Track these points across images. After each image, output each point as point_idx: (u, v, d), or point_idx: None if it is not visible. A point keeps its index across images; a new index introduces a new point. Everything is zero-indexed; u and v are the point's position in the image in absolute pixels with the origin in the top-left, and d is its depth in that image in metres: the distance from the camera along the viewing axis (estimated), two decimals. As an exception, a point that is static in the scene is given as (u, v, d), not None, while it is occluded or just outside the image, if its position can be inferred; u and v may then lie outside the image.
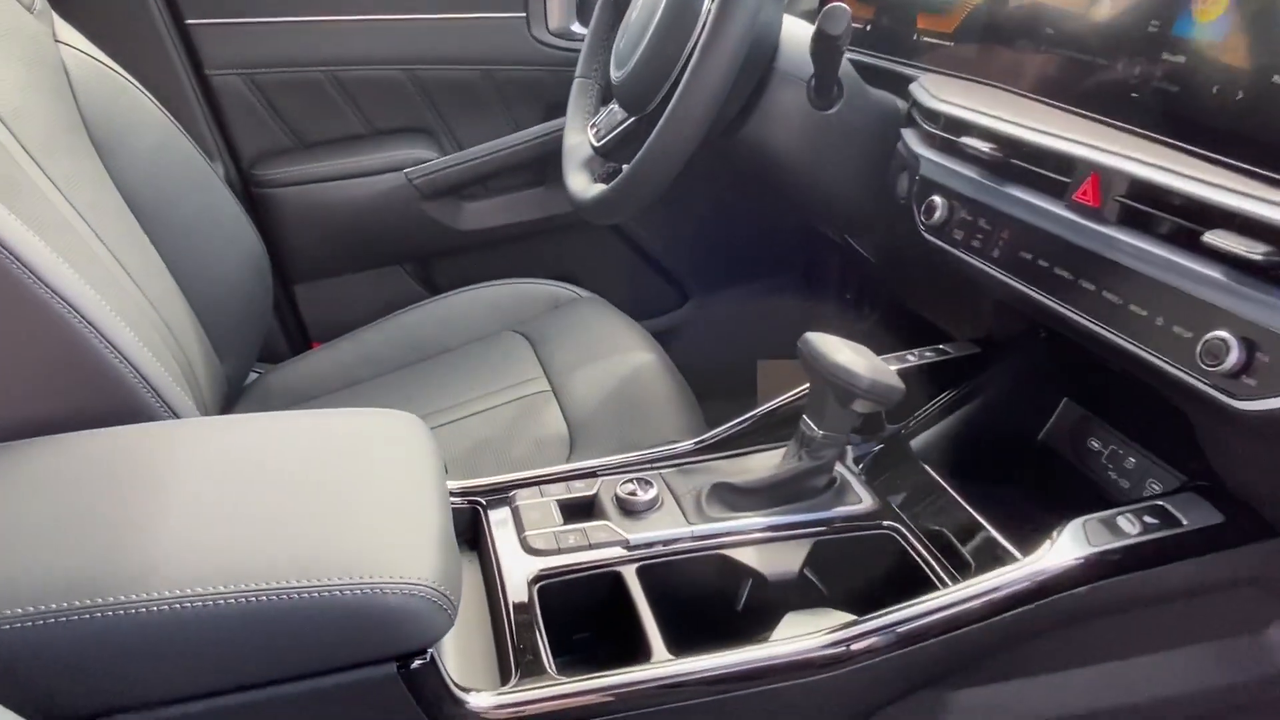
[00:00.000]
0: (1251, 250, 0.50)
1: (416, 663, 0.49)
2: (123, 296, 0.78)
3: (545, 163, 1.35)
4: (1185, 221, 0.55)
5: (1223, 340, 0.51)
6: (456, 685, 0.52)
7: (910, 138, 0.87)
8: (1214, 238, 0.52)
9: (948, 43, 0.89)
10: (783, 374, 1.66)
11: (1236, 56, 0.56)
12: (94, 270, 0.75)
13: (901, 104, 0.93)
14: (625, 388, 1.01)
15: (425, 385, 1.07)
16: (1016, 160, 0.71)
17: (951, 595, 0.58)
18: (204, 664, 0.46)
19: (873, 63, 1.00)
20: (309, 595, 0.46)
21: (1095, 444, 0.80)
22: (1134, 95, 0.64)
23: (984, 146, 0.73)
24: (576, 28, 1.32)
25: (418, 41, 1.27)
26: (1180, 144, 0.59)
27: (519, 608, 0.61)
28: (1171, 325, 0.55)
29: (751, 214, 1.46)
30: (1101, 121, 0.68)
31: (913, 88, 0.88)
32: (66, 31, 0.90)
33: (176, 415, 0.67)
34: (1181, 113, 0.60)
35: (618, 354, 1.06)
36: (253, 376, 1.15)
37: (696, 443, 0.78)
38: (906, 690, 0.60)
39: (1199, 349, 0.52)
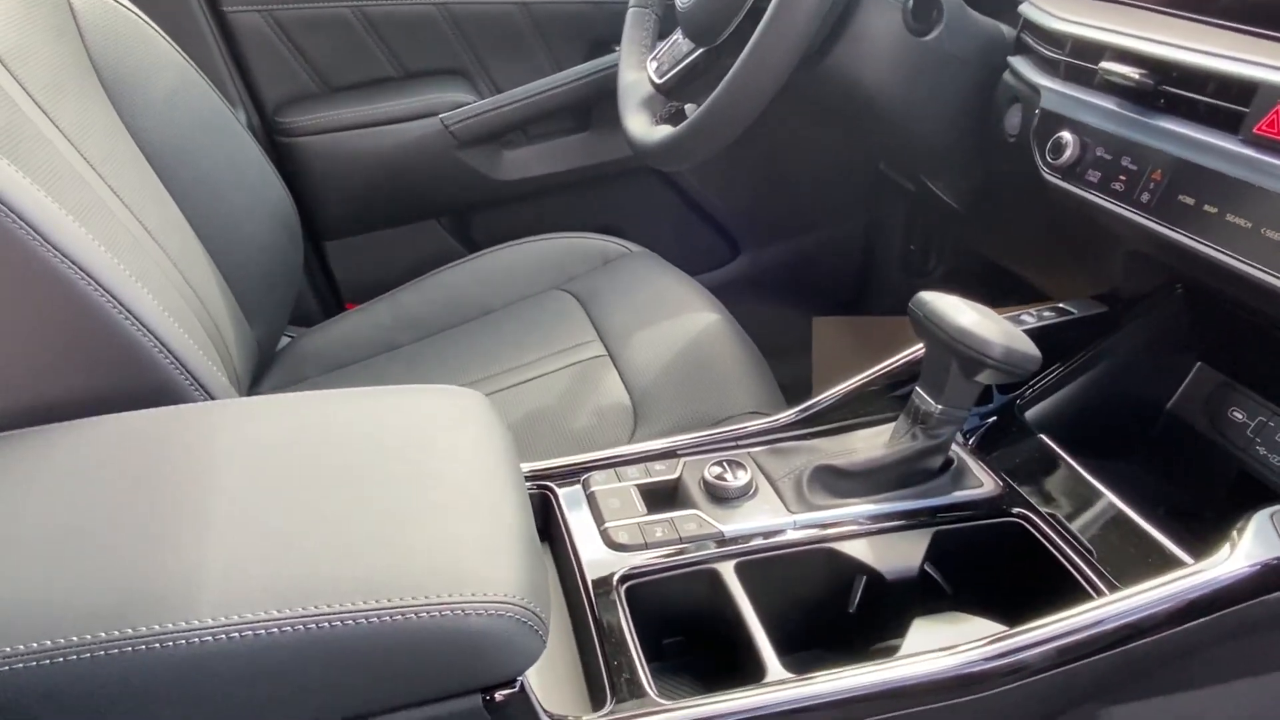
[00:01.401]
0: None
1: (504, 693, 0.42)
2: (142, 258, 0.70)
3: (590, 106, 1.24)
4: None
5: None
6: (550, 715, 0.44)
7: (1024, 66, 0.76)
8: None
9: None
10: (839, 332, 1.56)
11: None
12: (109, 228, 0.67)
13: (1009, 31, 0.82)
14: (690, 352, 0.92)
15: (470, 350, 0.99)
16: (1171, 88, 0.60)
17: (1121, 604, 0.49)
18: (254, 705, 0.38)
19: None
20: (379, 621, 0.38)
21: (1239, 414, 0.70)
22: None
23: (1129, 71, 0.62)
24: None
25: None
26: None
27: (607, 615, 0.53)
28: None
29: (811, 159, 1.35)
30: (1272, 38, 0.57)
31: (1024, 8, 0.78)
32: None
33: (209, 394, 0.59)
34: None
35: (678, 315, 0.97)
36: (284, 341, 1.08)
37: (799, 411, 0.69)
38: (1062, 709, 0.52)
39: None
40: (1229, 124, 0.56)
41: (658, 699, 0.47)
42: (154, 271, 0.71)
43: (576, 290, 1.05)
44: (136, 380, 0.54)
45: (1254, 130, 0.54)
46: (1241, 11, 0.61)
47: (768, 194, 1.39)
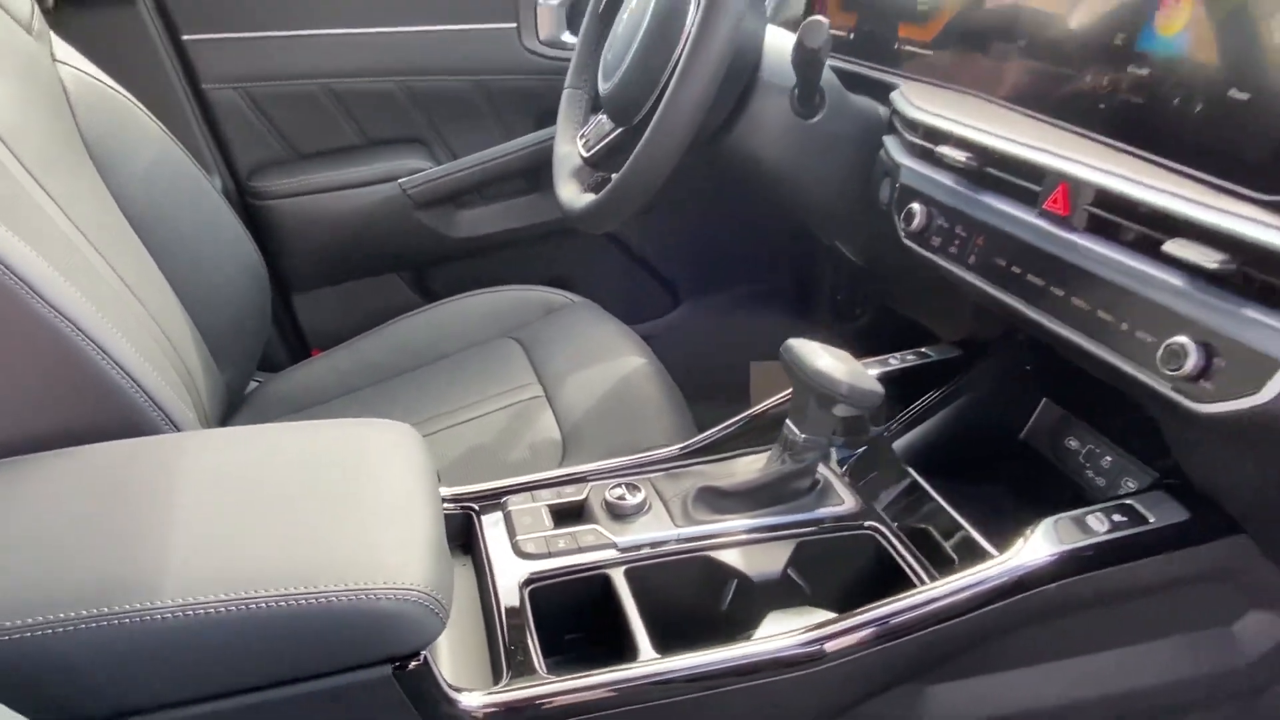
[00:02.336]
0: (1209, 259, 0.52)
1: (411, 665, 0.52)
2: (122, 310, 0.80)
3: (538, 170, 1.37)
4: (1148, 230, 0.57)
5: (1182, 345, 0.53)
6: (450, 686, 0.54)
7: (891, 145, 0.88)
8: (1173, 246, 0.54)
9: (927, 51, 0.91)
10: (776, 376, 1.67)
11: (1195, 71, 0.58)
12: (93, 285, 0.77)
13: (884, 111, 0.94)
14: (617, 392, 1.03)
15: (421, 392, 1.09)
16: (991, 169, 0.73)
17: (929, 593, 0.60)
18: (208, 668, 0.48)
19: (856, 70, 1.02)
20: (305, 602, 0.48)
21: (1073, 443, 0.82)
22: (1101, 106, 0.66)
23: (960, 155, 0.75)
24: (567, 37, 1.34)
25: (411, 53, 1.29)
26: (1146, 154, 0.61)
27: (511, 610, 0.63)
28: (1135, 330, 0.57)
29: (743, 218, 1.48)
30: (1072, 131, 0.70)
31: (893, 96, 0.90)
32: (65, 51, 0.92)
33: (178, 427, 0.69)
34: (1146, 124, 0.62)
35: (610, 359, 1.08)
36: (253, 385, 1.17)
37: (682, 448, 0.80)
38: (888, 684, 0.62)
39: (1160, 353, 0.54)
40: (1029, 200, 0.69)
41: (544, 675, 0.57)
42: (132, 322, 0.81)
43: (522, 338, 1.16)
44: (117, 415, 0.64)
45: (1043, 206, 0.67)
46: (1052, 106, 0.73)
47: (705, 249, 1.52)
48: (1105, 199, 0.61)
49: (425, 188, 1.32)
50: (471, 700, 0.55)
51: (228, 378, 1.01)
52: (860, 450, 0.82)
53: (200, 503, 0.54)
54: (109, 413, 0.64)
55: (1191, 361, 0.53)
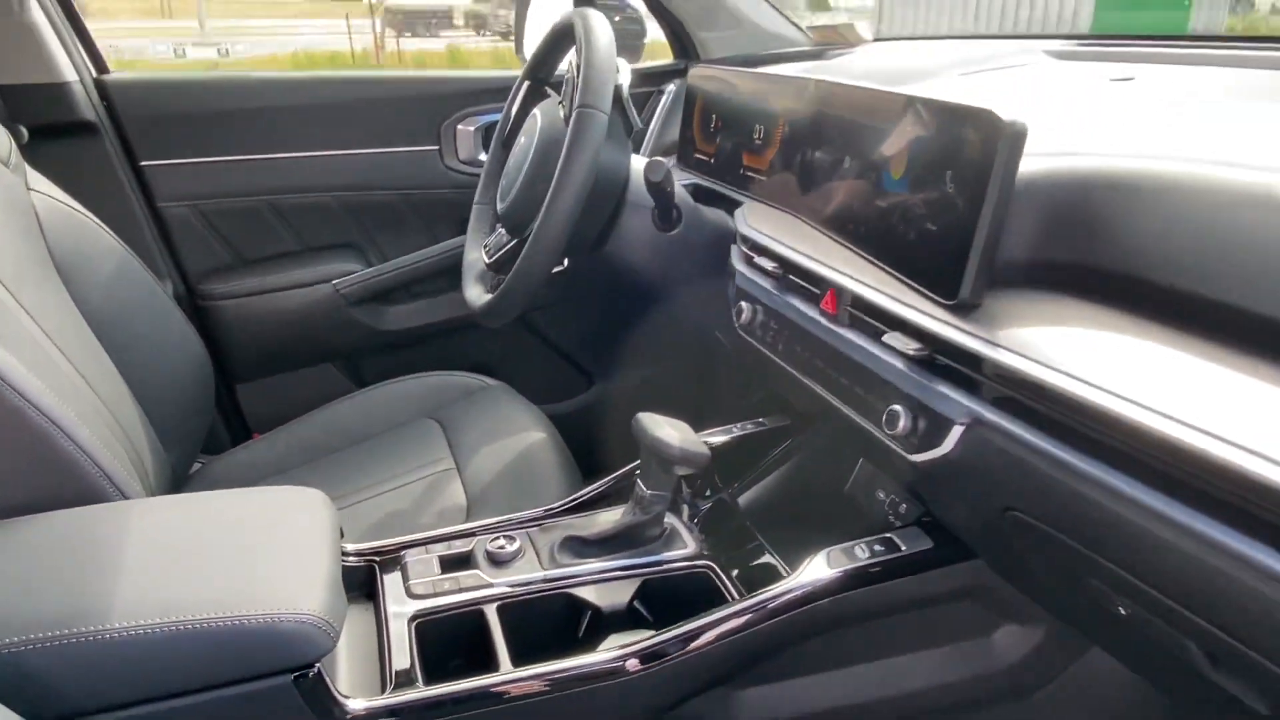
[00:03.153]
0: (910, 347, 0.71)
1: (307, 675, 0.66)
2: (81, 401, 0.95)
3: (459, 269, 1.55)
4: (879, 324, 0.76)
5: (897, 411, 0.71)
6: (340, 693, 0.68)
7: (733, 253, 1.08)
8: (890, 338, 0.73)
9: (762, 177, 1.12)
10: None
11: (910, 207, 0.78)
12: (58, 380, 0.92)
13: (732, 223, 1.14)
14: (518, 463, 1.19)
15: (347, 469, 1.24)
16: (791, 276, 0.92)
17: (729, 609, 0.76)
18: (146, 676, 0.62)
19: (714, 188, 1.22)
20: (224, 623, 0.63)
21: (882, 495, 0.99)
22: (861, 229, 0.86)
23: (770, 265, 0.94)
24: (483, 156, 1.55)
25: (346, 173, 1.48)
26: (883, 266, 0.81)
27: (399, 639, 0.78)
28: (870, 399, 0.75)
29: (647, 310, 1.67)
30: (846, 246, 0.90)
31: (736, 213, 1.10)
32: (36, 179, 1.08)
33: (125, 497, 0.83)
34: (884, 243, 0.81)
35: (515, 435, 1.24)
36: (198, 465, 1.31)
37: (548, 509, 0.96)
38: (704, 687, 0.77)
39: (884, 416, 0.72)
40: (813, 300, 0.87)
41: (420, 686, 0.72)
42: (89, 410, 0.96)
43: (441, 418, 1.31)
44: (74, 487, 0.79)
45: (821, 306, 0.86)
46: (835, 226, 0.93)
47: (615, 337, 1.70)
48: (857, 301, 0.80)
49: (357, 287, 1.50)
50: (356, 705, 0.69)
51: (173, 458, 1.15)
52: (707, 506, 0.99)
53: (142, 550, 0.68)
54: (68, 485, 0.78)
55: (903, 422, 0.71)
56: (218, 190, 1.42)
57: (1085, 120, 0.80)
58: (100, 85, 1.34)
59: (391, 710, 0.69)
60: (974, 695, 0.86)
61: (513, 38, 1.54)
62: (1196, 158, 0.63)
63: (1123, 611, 0.62)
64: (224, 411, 1.52)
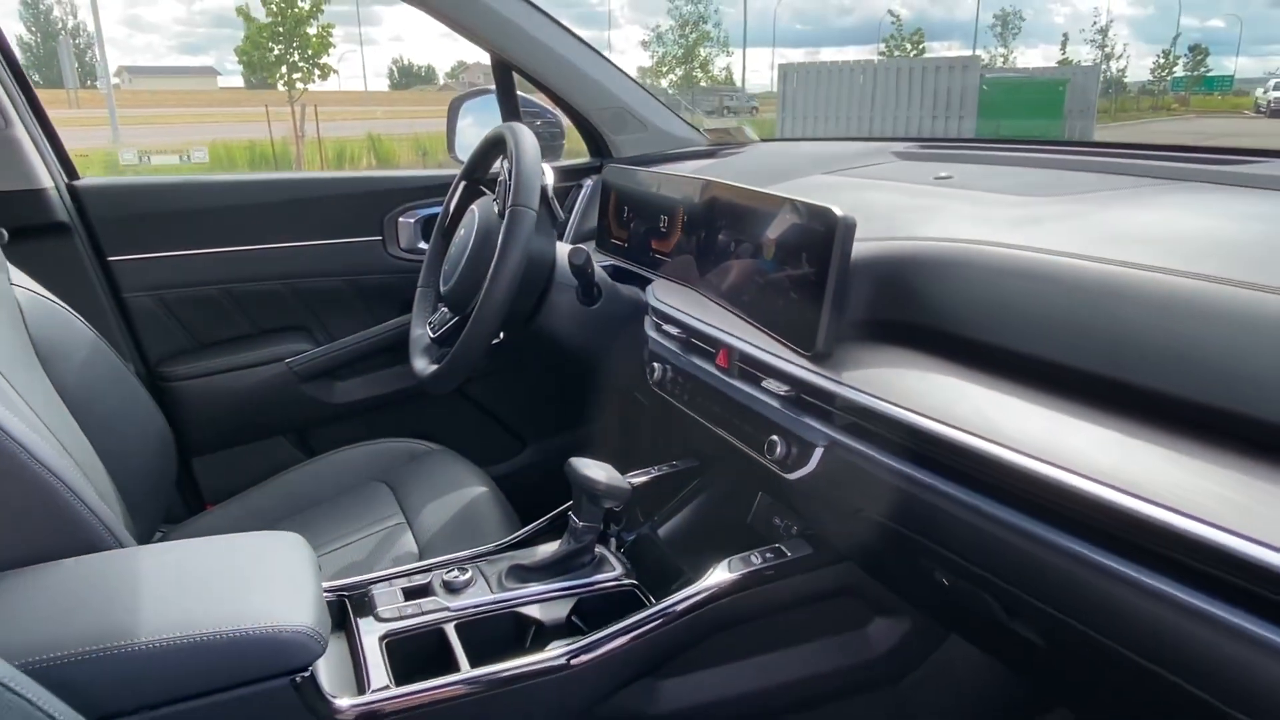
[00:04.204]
0: (782, 389, 0.91)
1: (300, 677, 0.79)
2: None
3: (400, 346, 1.70)
4: (758, 374, 0.96)
5: (775, 439, 0.90)
6: (328, 693, 0.82)
7: (646, 323, 1.28)
8: (767, 383, 0.93)
9: (668, 258, 1.33)
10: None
11: (780, 280, 0.98)
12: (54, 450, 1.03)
13: (644, 297, 1.34)
14: (462, 514, 1.33)
15: (304, 530, 1.35)
16: (693, 339, 1.12)
17: (645, 612, 0.92)
18: (169, 681, 0.75)
19: (628, 268, 1.43)
20: (233, 634, 0.76)
21: (778, 520, 1.18)
22: (746, 298, 1.07)
23: (676, 331, 1.14)
24: (422, 245, 1.72)
25: (296, 262, 1.64)
26: (763, 328, 1.01)
27: (372, 656, 0.92)
28: (755, 434, 0.94)
29: (573, 375, 1.85)
30: (734, 314, 1.10)
31: (647, 289, 1.30)
32: (19, 276, 1.21)
33: (121, 544, 0.95)
34: (764, 309, 1.02)
35: (458, 490, 1.39)
36: (159, 535, 1.41)
37: (496, 546, 1.12)
38: (632, 678, 0.93)
39: (765, 445, 0.92)
40: (710, 358, 1.07)
41: (394, 689, 0.86)
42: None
43: (389, 480, 1.45)
44: (84, 539, 0.91)
45: (716, 362, 1.05)
46: (725, 296, 1.13)
47: (545, 403, 1.87)
48: (743, 357, 1.00)
49: (308, 365, 1.64)
50: (342, 703, 0.82)
51: (139, 529, 1.26)
52: (633, 536, 1.16)
53: (156, 582, 0.81)
54: (79, 536, 0.90)
55: (779, 449, 0.90)
56: (178, 280, 1.56)
57: (909, 210, 1.03)
58: (72, 190, 1.48)
59: (371, 708, 0.83)
60: (856, 680, 1.03)
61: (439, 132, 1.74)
62: (983, 240, 0.85)
63: (945, 582, 0.81)
64: (179, 484, 1.62)
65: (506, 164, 1.27)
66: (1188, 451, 0.60)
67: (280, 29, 16.83)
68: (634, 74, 1.73)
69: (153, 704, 0.74)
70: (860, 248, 0.88)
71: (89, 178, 1.51)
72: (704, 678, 0.97)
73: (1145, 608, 0.58)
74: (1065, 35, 48.95)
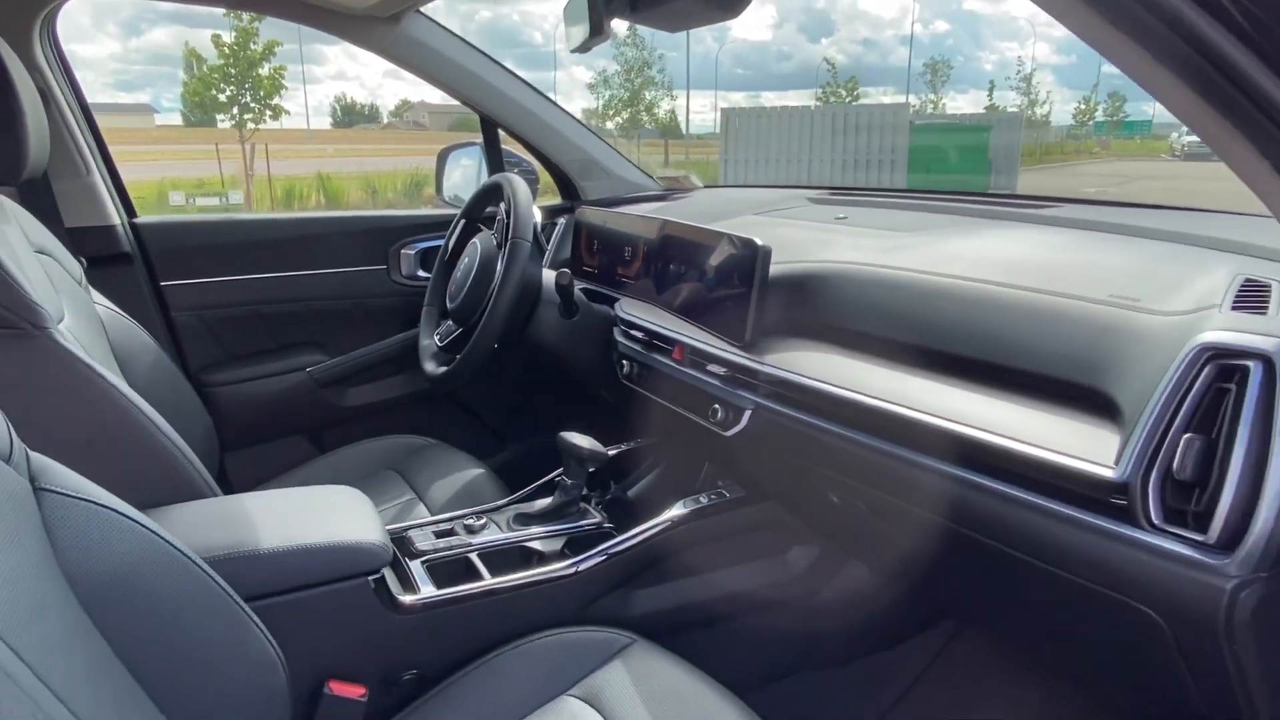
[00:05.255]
0: (722, 370, 1.25)
1: (374, 580, 1.10)
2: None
3: (403, 358, 2.01)
4: (704, 361, 1.30)
5: (717, 407, 1.24)
6: (393, 591, 1.12)
7: (616, 331, 1.61)
8: (710, 368, 1.27)
9: (631, 281, 1.66)
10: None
11: (719, 293, 1.32)
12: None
13: (613, 312, 1.68)
14: (463, 490, 1.64)
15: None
16: (655, 340, 1.45)
17: (620, 538, 1.25)
18: (287, 575, 1.04)
19: (597, 290, 1.76)
20: (330, 544, 1.06)
21: (720, 484, 1.51)
22: (692, 308, 1.41)
23: (640, 335, 1.47)
24: (420, 273, 2.04)
25: (314, 287, 1.94)
26: (707, 329, 1.35)
27: (417, 573, 1.22)
28: (702, 405, 1.28)
29: (546, 383, 2.17)
30: (685, 319, 1.44)
31: (615, 305, 1.64)
32: (98, 295, 1.50)
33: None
34: (707, 315, 1.36)
35: (458, 473, 1.70)
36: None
37: (509, 500, 1.43)
38: (612, 588, 1.25)
39: (708, 411, 1.25)
40: (668, 354, 1.41)
41: (436, 590, 1.16)
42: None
43: (398, 468, 1.75)
44: (193, 490, 1.19)
45: (674, 356, 1.39)
46: (675, 307, 1.47)
47: (519, 408, 2.19)
48: (693, 350, 1.34)
49: (326, 373, 1.94)
50: (404, 598, 1.13)
51: None
52: (609, 496, 1.48)
53: (265, 512, 1.11)
54: (190, 487, 1.19)
55: (720, 415, 1.24)
56: (217, 302, 1.85)
57: (812, 241, 1.39)
58: (133, 225, 1.77)
59: (425, 600, 1.14)
60: (780, 595, 1.37)
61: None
62: (859, 262, 1.21)
63: (835, 499, 1.15)
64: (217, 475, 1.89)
65: (504, 206, 1.61)
66: (981, 392, 0.96)
67: (232, 70, 16.98)
68: (580, 115, 2.08)
69: (276, 591, 1.03)
70: (775, 268, 1.23)
71: (146, 215, 1.80)
72: (662, 589, 1.30)
73: (956, 490, 0.93)
74: (992, 82, 51.30)
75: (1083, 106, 40.94)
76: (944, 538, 0.99)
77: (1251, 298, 0.82)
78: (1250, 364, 0.72)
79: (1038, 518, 0.84)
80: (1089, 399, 0.85)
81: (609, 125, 27.91)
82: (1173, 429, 0.75)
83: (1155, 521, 0.74)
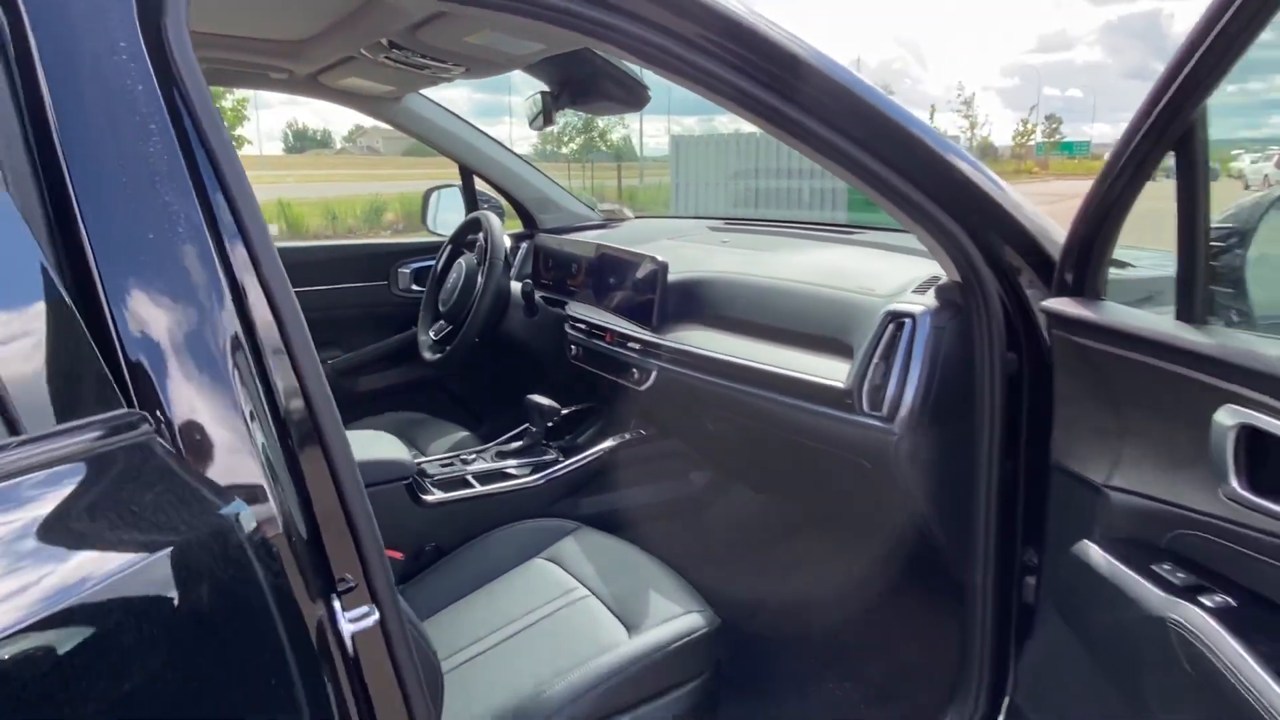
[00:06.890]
0: (637, 346, 1.83)
1: (405, 484, 1.66)
2: None
3: (400, 353, 2.57)
4: (626, 341, 1.88)
5: (634, 371, 1.83)
6: (423, 493, 1.68)
7: (567, 326, 2.19)
8: (630, 345, 1.86)
9: (577, 289, 2.24)
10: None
11: (636, 294, 1.91)
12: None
13: (564, 312, 2.26)
14: (455, 445, 2.21)
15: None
16: (594, 330, 2.03)
17: (569, 460, 1.83)
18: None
19: (553, 297, 2.34)
20: (375, 460, 1.62)
21: (641, 431, 2.09)
22: (619, 305, 1.99)
23: (583, 327, 2.06)
24: (415, 287, 2.60)
25: (325, 299, 2.49)
26: (628, 320, 1.93)
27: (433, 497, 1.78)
28: (624, 372, 1.86)
29: (515, 368, 2.74)
30: (613, 313, 2.02)
31: (566, 307, 2.22)
32: None
33: None
34: (629, 310, 1.94)
35: (448, 435, 2.26)
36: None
37: (496, 444, 2.00)
38: (564, 496, 1.83)
39: (630, 375, 1.84)
40: (601, 339, 1.99)
41: (448, 493, 1.72)
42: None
43: (403, 435, 2.30)
44: None
45: (605, 340, 1.97)
46: (615, 309, 2.06)
47: (493, 391, 2.75)
48: (617, 334, 1.92)
49: (343, 364, 2.49)
50: (429, 498, 1.69)
51: None
52: (567, 440, 2.06)
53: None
54: None
55: (636, 375, 1.82)
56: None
57: (701, 256, 1.98)
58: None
59: (440, 498, 1.70)
60: (686, 506, 1.95)
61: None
62: (728, 270, 1.81)
63: (711, 427, 1.74)
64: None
65: (483, 235, 2.19)
66: (788, 349, 1.55)
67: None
68: (537, 140, 2.67)
69: None
70: (673, 276, 1.82)
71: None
72: (599, 498, 1.87)
73: (773, 407, 1.52)
74: (933, 106, 53.16)
75: (1020, 128, 42.70)
76: (766, 438, 1.59)
77: (924, 286, 1.43)
78: (907, 321, 1.33)
79: (811, 416, 1.44)
80: (838, 347, 1.46)
81: (564, 150, 28.60)
82: (874, 359, 1.35)
83: (864, 410, 1.35)
